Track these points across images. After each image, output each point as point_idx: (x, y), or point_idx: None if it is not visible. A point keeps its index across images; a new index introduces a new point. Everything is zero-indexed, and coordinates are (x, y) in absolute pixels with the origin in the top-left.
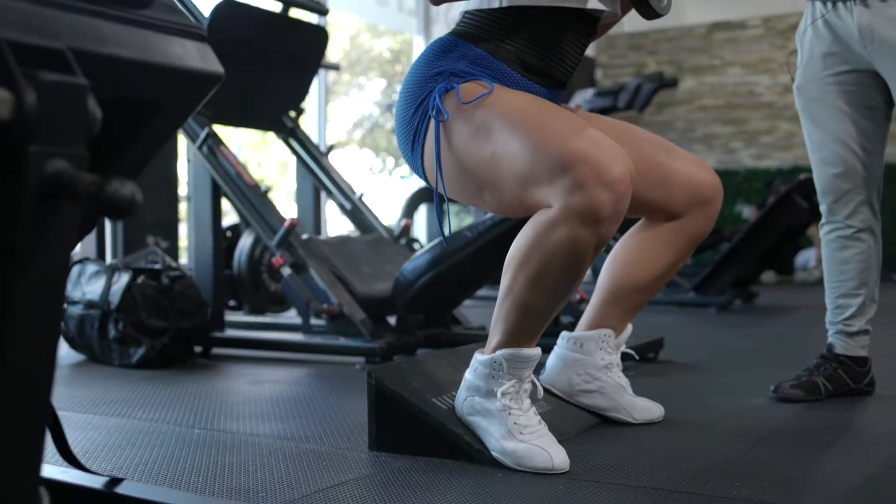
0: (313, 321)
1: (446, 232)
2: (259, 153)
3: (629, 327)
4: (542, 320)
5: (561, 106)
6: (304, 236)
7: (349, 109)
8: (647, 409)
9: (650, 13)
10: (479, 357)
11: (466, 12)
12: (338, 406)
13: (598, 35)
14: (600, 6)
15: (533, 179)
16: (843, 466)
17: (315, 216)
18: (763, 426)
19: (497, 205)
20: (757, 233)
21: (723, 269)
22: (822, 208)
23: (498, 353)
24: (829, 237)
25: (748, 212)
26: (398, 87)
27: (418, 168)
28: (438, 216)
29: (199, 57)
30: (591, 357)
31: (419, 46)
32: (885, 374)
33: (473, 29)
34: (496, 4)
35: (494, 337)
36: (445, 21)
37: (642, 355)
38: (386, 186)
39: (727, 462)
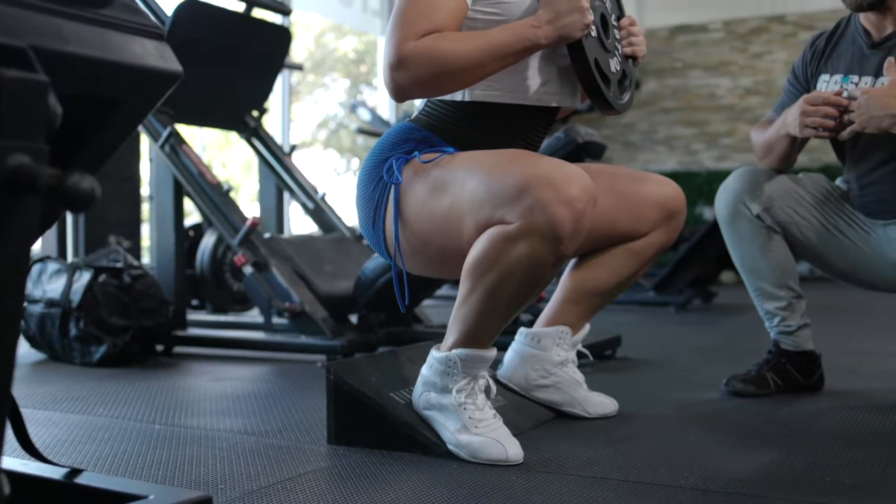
0: (275, 320)
1: (405, 303)
2: (223, 154)
3: (586, 326)
4: (499, 325)
5: None
6: (267, 235)
7: (313, 110)
8: (601, 403)
9: (607, 109)
10: (435, 354)
11: (429, 101)
12: (298, 402)
13: (559, 118)
14: (563, 104)
15: (493, 204)
16: (786, 457)
17: (278, 216)
18: (712, 419)
19: (459, 264)
20: (716, 233)
21: (682, 268)
22: None
23: (454, 351)
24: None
25: (709, 213)
26: (363, 88)
27: (381, 246)
28: (397, 288)
29: (157, 56)
30: (548, 353)
31: (383, 47)
32: (835, 370)
33: (436, 120)
34: (458, 98)
35: (451, 336)
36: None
37: (600, 352)
38: (350, 187)
39: (676, 453)
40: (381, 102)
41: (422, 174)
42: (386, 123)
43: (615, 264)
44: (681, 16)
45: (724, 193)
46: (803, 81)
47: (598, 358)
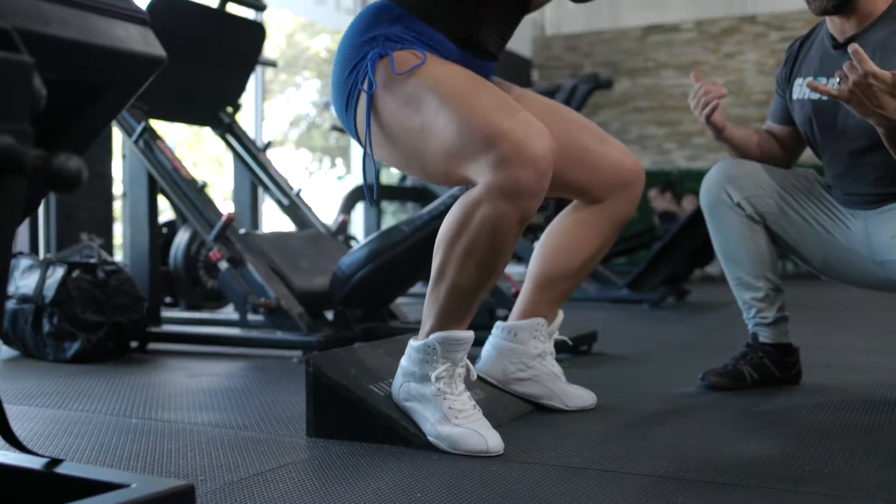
0: (250, 316)
1: (370, 180)
2: (194, 152)
3: (560, 315)
4: (472, 299)
5: (492, 80)
6: (242, 231)
7: (285, 108)
8: (580, 396)
9: None
10: (413, 343)
11: None
12: (276, 396)
13: (533, 9)
14: None
15: (458, 154)
16: (764, 447)
17: (252, 212)
18: (689, 412)
19: (423, 175)
20: (688, 231)
21: (656, 266)
22: None
23: (432, 337)
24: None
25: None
26: None
27: (351, 128)
28: (365, 174)
29: (141, 40)
30: (525, 346)
31: None
32: (811, 365)
33: None
34: None
35: (427, 322)
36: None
37: (576, 348)
38: (322, 186)
39: (655, 444)
40: None
41: (394, 85)
42: None
43: (577, 243)
44: (653, 16)
45: (708, 182)
46: (783, 85)
47: (575, 353)
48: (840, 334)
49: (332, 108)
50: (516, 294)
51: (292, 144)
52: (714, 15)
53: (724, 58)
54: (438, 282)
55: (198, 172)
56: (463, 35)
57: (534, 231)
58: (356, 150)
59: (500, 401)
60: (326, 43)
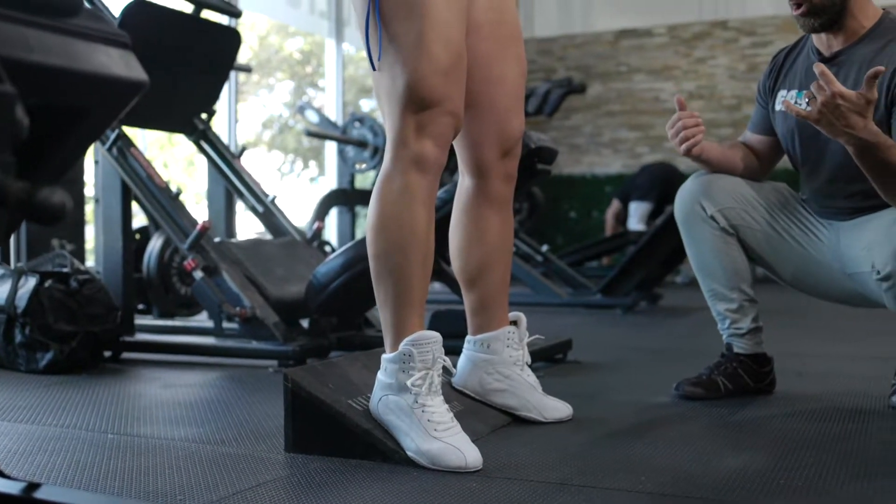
0: (225, 325)
1: (374, 55)
2: (165, 153)
3: (523, 318)
4: (412, 286)
5: None
6: (217, 239)
7: (258, 110)
8: (557, 408)
9: None
10: (386, 356)
11: None
12: (252, 409)
13: None
14: None
15: (392, 98)
16: (740, 460)
17: (227, 219)
18: (665, 423)
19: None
20: (663, 236)
21: (629, 271)
22: None
23: (402, 344)
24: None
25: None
26: (308, 90)
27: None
28: (367, 40)
29: (123, 64)
30: (500, 355)
31: (331, 48)
32: (783, 372)
33: None
34: None
35: (389, 331)
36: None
37: (551, 356)
38: (295, 188)
39: (633, 457)
40: (328, 103)
41: None
42: (334, 125)
43: (476, 236)
44: (626, 20)
45: (682, 195)
46: (765, 95)
47: (550, 361)
48: (810, 341)
49: (307, 113)
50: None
51: (265, 146)
52: (686, 20)
53: (695, 62)
54: (378, 279)
55: (169, 173)
56: None
57: None
58: (329, 152)
59: (478, 413)
60: (300, 45)
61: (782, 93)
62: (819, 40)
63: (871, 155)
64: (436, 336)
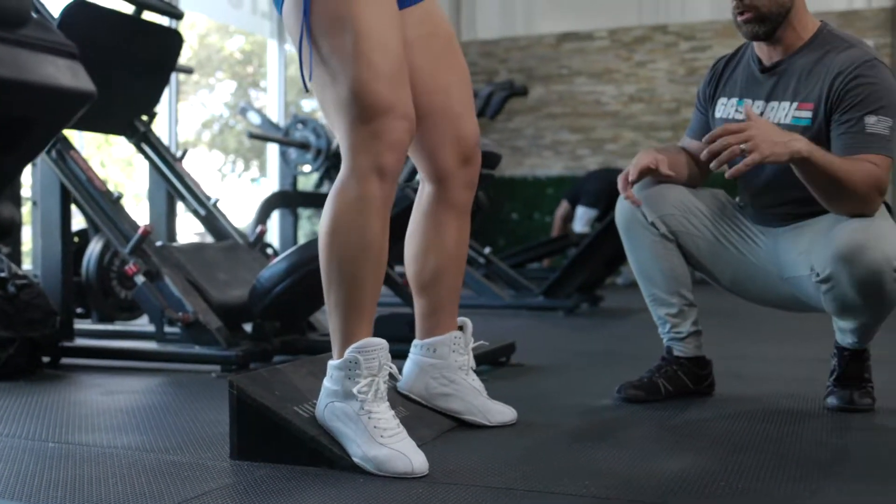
0: (167, 329)
1: (307, 75)
2: (102, 152)
3: (469, 323)
4: (364, 292)
5: None
6: (159, 243)
7: (198, 110)
8: (501, 412)
9: None
10: (332, 363)
11: None
12: (196, 416)
13: None
14: None
15: (339, 111)
16: (682, 463)
17: (168, 222)
18: (608, 426)
19: (312, 82)
20: (604, 238)
21: (571, 273)
22: None
23: (348, 351)
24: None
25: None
26: (249, 90)
27: (279, 7)
28: (301, 62)
29: (70, 75)
30: (446, 360)
31: (273, 49)
32: (722, 374)
33: None
34: None
35: (337, 338)
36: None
37: (495, 359)
38: (236, 190)
39: (577, 461)
40: (270, 104)
41: None
42: (276, 126)
43: (431, 241)
44: (567, 23)
45: (623, 202)
46: (706, 102)
47: (494, 365)
48: (747, 343)
49: (248, 115)
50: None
51: (205, 146)
52: (627, 24)
53: (636, 66)
54: (328, 286)
55: (106, 173)
56: None
57: None
58: (271, 153)
59: (423, 418)
60: (241, 44)
61: (722, 100)
62: (760, 49)
63: (810, 167)
64: (382, 343)
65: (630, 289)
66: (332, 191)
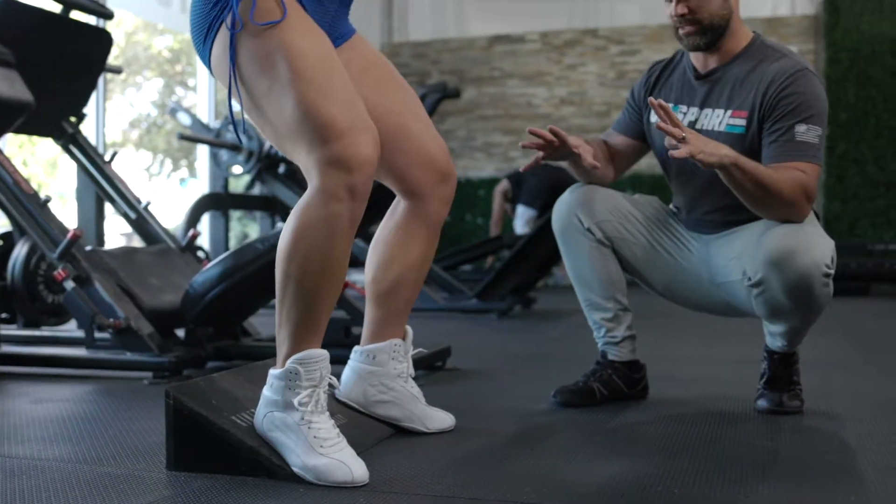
0: (97, 335)
1: (241, 135)
2: (24, 151)
3: (410, 331)
4: (318, 309)
5: (347, 25)
6: (88, 248)
7: (125, 109)
8: (440, 419)
9: None
10: (273, 372)
11: None
12: (130, 424)
13: None
14: None
15: (293, 139)
16: (619, 468)
17: (97, 227)
18: (545, 431)
19: (260, 128)
20: (538, 241)
21: (504, 275)
22: None
23: (289, 361)
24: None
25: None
26: (177, 89)
27: (206, 61)
28: (232, 118)
29: (6, 85)
30: (385, 367)
31: None
32: (655, 377)
33: None
34: None
35: (283, 347)
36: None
37: (431, 364)
38: (165, 190)
39: (515, 467)
40: (200, 104)
41: (253, 31)
42: (207, 128)
43: (400, 252)
44: (499, 26)
45: (560, 207)
46: (639, 102)
47: (430, 369)
48: (678, 344)
49: (178, 116)
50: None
51: (132, 145)
52: (557, 27)
53: (567, 69)
54: (283, 299)
55: (28, 172)
56: None
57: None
58: (201, 153)
59: (361, 425)
60: (169, 42)
61: None
62: (696, 58)
63: (737, 173)
64: (324, 354)
65: (562, 290)
66: (298, 208)
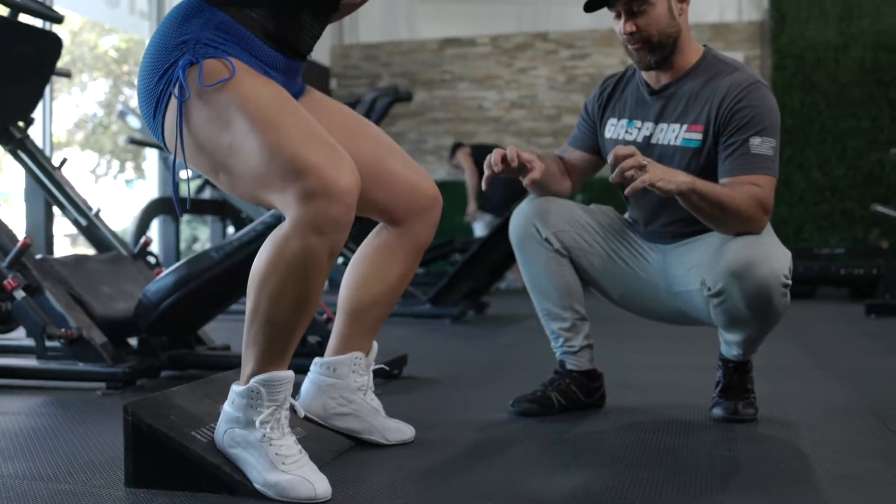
0: (48, 344)
1: (182, 199)
2: None
3: (375, 345)
4: (289, 337)
5: (301, 85)
6: (38, 256)
7: (70, 109)
8: (400, 430)
9: None
10: (235, 388)
11: None
12: (85, 438)
13: (342, 15)
14: None
15: (265, 183)
16: (580, 479)
17: (47, 234)
18: (505, 442)
19: (230, 190)
20: (491, 246)
21: (457, 281)
22: None
23: (253, 381)
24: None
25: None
26: (125, 89)
27: (159, 135)
28: (175, 186)
29: None
30: (345, 380)
31: None
32: (611, 385)
33: None
34: None
35: (248, 365)
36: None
37: (388, 373)
38: (111, 192)
39: (476, 479)
40: None
41: (204, 96)
42: None
43: (380, 271)
44: (450, 29)
45: (517, 217)
46: (593, 116)
47: (387, 377)
48: (633, 352)
49: (128, 119)
50: (328, 321)
51: (78, 146)
52: (508, 31)
53: (517, 72)
54: (253, 322)
55: None
56: (271, 32)
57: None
58: (150, 155)
59: (321, 439)
60: (115, 42)
61: (612, 121)
62: (648, 74)
63: (695, 197)
64: (289, 377)
65: (514, 294)
66: (275, 237)
